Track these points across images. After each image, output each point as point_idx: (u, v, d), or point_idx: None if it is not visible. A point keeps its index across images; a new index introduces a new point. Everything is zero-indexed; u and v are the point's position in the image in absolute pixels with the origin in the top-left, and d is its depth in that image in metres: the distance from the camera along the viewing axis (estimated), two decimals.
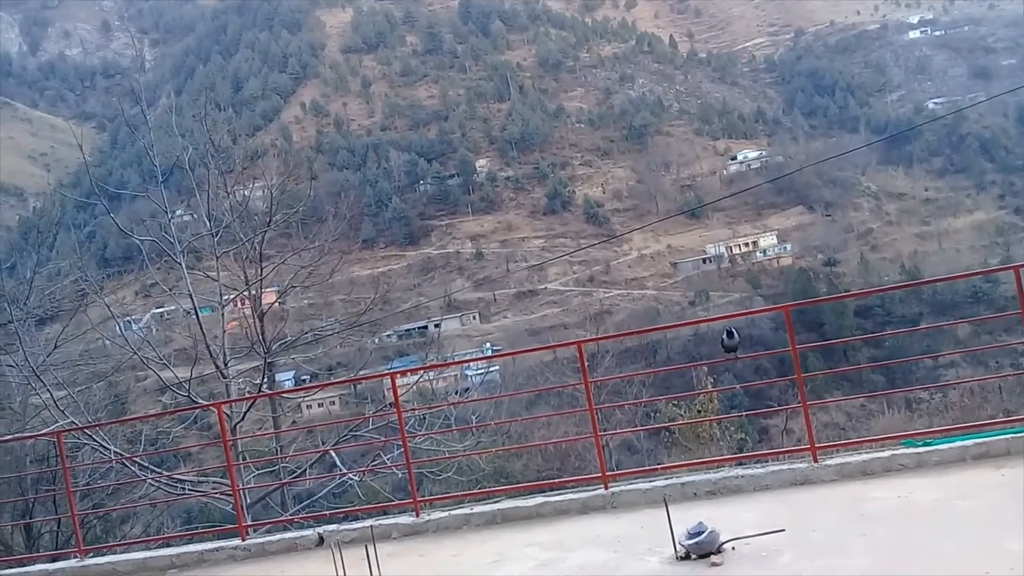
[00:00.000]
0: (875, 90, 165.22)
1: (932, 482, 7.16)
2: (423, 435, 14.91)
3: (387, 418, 15.35)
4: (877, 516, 6.59)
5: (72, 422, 14.41)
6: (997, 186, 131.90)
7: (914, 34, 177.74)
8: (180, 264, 15.83)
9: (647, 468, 10.89)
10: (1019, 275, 8.10)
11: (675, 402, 23.45)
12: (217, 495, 14.44)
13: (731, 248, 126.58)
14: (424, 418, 16.05)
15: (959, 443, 7.62)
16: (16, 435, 15.87)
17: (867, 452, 8.00)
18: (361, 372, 31.56)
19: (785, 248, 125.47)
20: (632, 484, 8.33)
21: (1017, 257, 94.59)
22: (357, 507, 13.87)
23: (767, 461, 8.69)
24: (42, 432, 14.42)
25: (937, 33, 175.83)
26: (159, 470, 15.39)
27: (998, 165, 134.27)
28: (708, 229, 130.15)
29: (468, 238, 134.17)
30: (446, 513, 8.50)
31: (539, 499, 8.42)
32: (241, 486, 12.88)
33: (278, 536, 8.89)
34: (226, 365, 15.52)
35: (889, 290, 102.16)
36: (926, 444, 7.81)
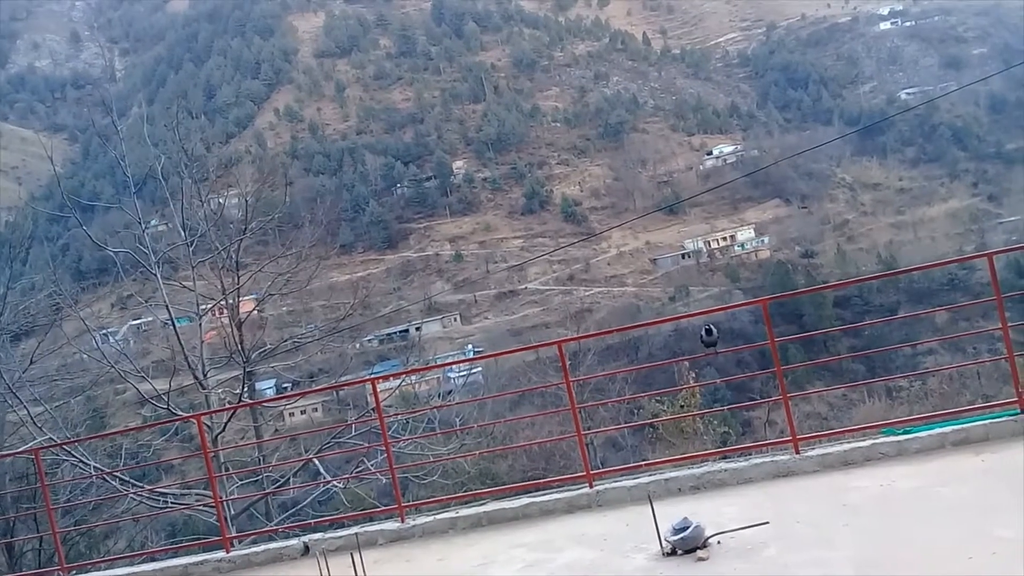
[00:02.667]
0: (848, 82, 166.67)
1: (913, 470, 7.20)
2: (407, 439, 14.87)
3: (370, 424, 15.27)
4: (860, 505, 6.62)
5: (50, 438, 14.26)
6: (970, 174, 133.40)
7: (885, 25, 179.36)
8: (156, 275, 15.69)
9: (631, 465, 10.90)
10: (992, 262, 8.18)
11: (658, 398, 23.48)
12: (200, 507, 14.33)
13: (709, 243, 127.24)
14: (407, 422, 16.02)
15: (939, 430, 7.67)
16: None
17: (848, 442, 8.05)
18: (343, 378, 31.45)
19: (763, 241, 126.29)
20: (617, 482, 8.33)
21: (992, 244, 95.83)
22: (342, 514, 13.80)
23: (750, 454, 8.72)
24: (20, 450, 14.26)
25: (908, 24, 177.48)
26: (141, 484, 15.26)
27: (971, 153, 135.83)
28: (686, 224, 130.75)
29: (447, 240, 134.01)
30: (432, 517, 8.47)
31: (525, 500, 8.41)
32: (224, 497, 12.79)
33: (263, 547, 8.82)
34: (205, 375, 15.40)
35: (866, 280, 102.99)
36: (906, 432, 7.85)
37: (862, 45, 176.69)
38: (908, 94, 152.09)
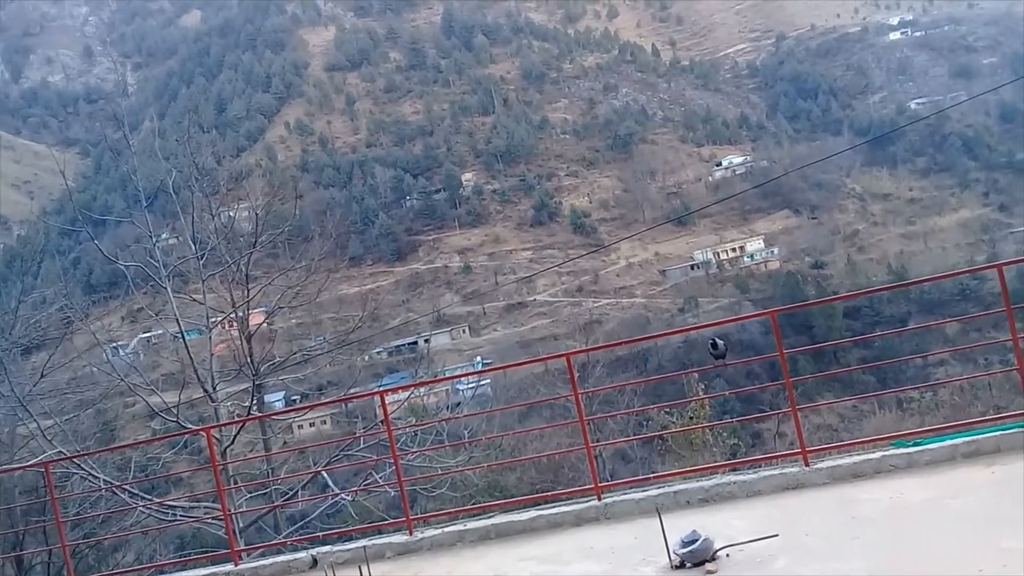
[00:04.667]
0: (857, 92, 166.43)
1: (923, 482, 7.16)
2: (415, 452, 14.85)
3: (378, 436, 15.26)
4: (869, 518, 6.58)
5: (60, 451, 14.30)
6: (981, 184, 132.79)
7: (894, 35, 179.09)
8: (166, 288, 15.75)
9: (640, 478, 10.86)
10: (1002, 273, 8.15)
11: (667, 410, 23.36)
12: (209, 520, 14.33)
13: (719, 254, 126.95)
14: (416, 435, 15.99)
15: (949, 442, 7.62)
16: (4, 467, 15.71)
17: (858, 454, 8.00)
18: (351, 390, 31.40)
19: (772, 252, 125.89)
20: (625, 494, 8.30)
21: (1003, 254, 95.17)
22: (350, 527, 13.78)
23: (759, 466, 8.67)
24: (30, 463, 14.29)
25: (917, 34, 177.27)
26: (150, 497, 15.26)
27: (981, 163, 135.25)
28: (695, 235, 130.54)
29: (456, 252, 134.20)
30: (440, 530, 8.45)
31: (533, 513, 8.38)
32: (233, 510, 12.79)
33: (271, 559, 8.82)
34: (215, 388, 15.43)
35: (877, 291, 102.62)
36: (916, 444, 7.81)
37: (872, 55, 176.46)
38: (918, 104, 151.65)
